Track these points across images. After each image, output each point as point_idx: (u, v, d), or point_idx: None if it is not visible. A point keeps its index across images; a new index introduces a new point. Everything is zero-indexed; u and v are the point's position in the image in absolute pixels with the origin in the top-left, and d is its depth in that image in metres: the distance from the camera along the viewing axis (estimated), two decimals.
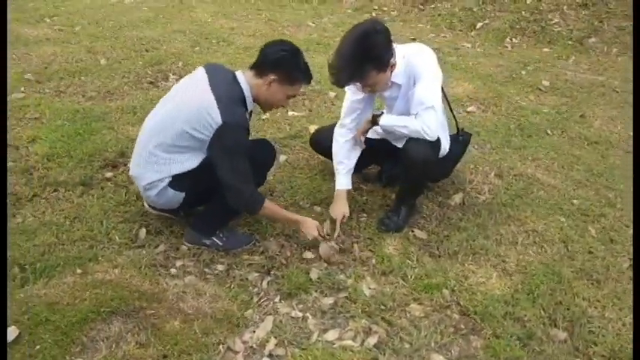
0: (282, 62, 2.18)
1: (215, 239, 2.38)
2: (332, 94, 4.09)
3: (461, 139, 2.84)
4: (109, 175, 2.87)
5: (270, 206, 2.27)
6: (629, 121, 4.13)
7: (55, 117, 3.42)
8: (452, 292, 2.28)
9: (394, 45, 2.34)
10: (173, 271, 2.28)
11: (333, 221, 2.58)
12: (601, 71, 5.17)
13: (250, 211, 2.33)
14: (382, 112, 2.54)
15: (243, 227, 2.57)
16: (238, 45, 5.12)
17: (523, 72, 4.99)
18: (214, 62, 2.40)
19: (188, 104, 2.15)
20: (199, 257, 2.37)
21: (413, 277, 2.34)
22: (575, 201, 3.01)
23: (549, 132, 3.86)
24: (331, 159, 2.75)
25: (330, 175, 3.04)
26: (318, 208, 2.76)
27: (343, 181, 2.66)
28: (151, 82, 4.16)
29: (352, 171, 2.70)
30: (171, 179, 2.22)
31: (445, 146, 2.63)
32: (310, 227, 2.36)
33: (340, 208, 2.58)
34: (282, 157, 3.18)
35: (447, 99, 2.71)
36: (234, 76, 2.22)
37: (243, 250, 2.42)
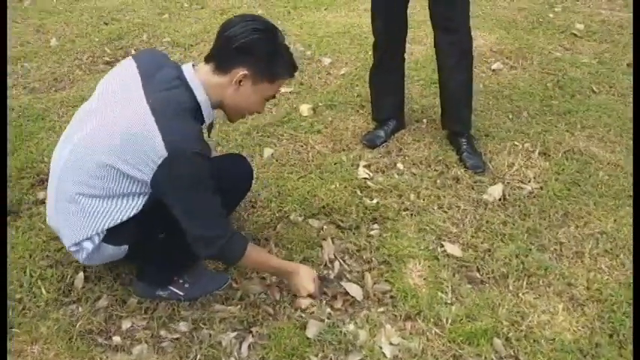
0: (255, 49, 1.47)
1: (173, 288, 1.74)
2: (326, 60, 3.36)
3: None
4: (41, 195, 2.22)
5: (253, 255, 1.61)
6: None
7: None
8: (506, 341, 1.64)
9: None
10: (116, 339, 1.64)
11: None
12: None
13: (227, 263, 1.78)
14: None
15: (212, 262, 1.92)
16: (214, 7, 4.34)
17: (551, 14, 4.20)
18: (149, 49, 1.66)
19: (113, 125, 1.45)
20: (153, 313, 1.73)
21: (450, 320, 1.70)
22: None
23: (595, 89, 3.14)
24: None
25: (329, 172, 2.38)
26: (315, 222, 2.10)
27: None
28: (108, 63, 3.43)
29: None
30: (105, 234, 1.55)
31: None
32: (305, 279, 1.72)
33: None
34: (266, 151, 2.51)
35: None
36: (181, 75, 1.49)
37: (215, 295, 1.78)
